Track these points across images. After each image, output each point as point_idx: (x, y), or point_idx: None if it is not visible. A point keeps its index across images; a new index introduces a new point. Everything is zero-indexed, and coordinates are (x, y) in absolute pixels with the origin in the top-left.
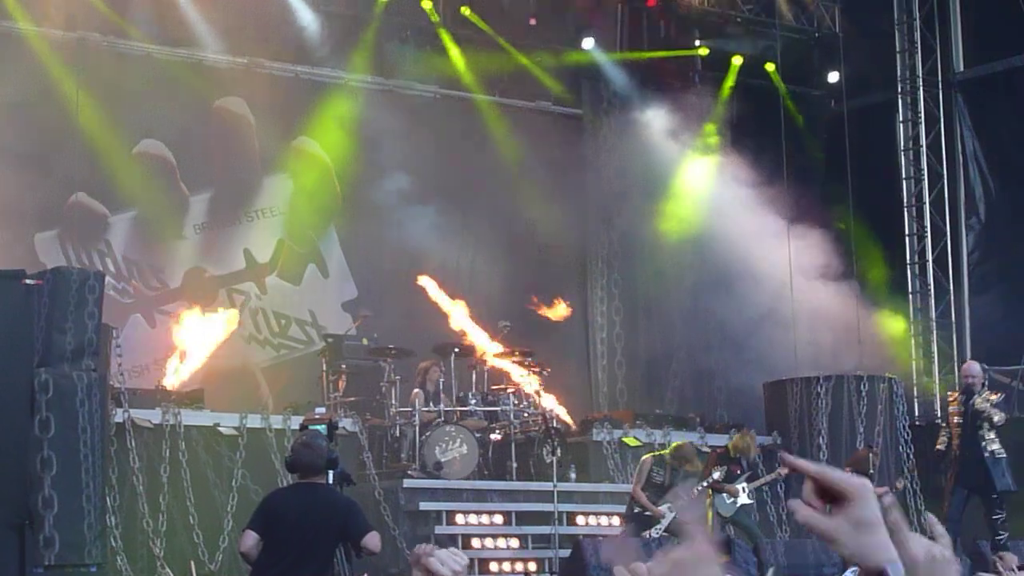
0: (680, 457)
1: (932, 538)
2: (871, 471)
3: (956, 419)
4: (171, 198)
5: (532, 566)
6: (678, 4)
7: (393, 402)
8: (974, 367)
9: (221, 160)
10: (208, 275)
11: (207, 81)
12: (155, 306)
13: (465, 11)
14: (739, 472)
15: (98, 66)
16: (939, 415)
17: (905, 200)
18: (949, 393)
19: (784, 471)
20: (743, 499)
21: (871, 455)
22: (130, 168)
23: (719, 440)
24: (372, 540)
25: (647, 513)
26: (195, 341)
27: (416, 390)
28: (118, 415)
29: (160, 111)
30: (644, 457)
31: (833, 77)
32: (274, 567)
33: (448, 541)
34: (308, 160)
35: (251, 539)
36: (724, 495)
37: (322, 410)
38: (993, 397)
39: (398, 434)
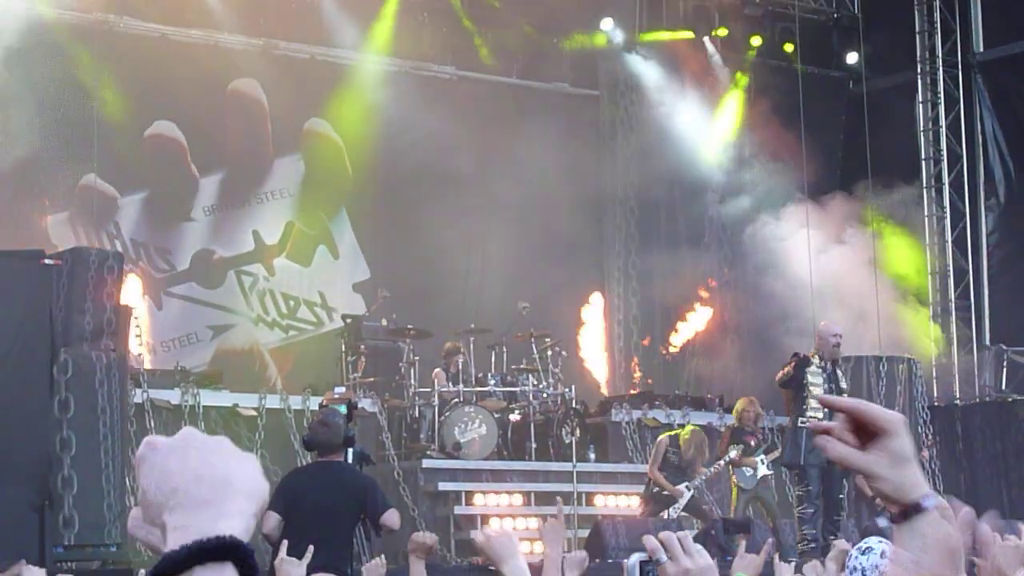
0: (693, 446)
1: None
2: None
3: (821, 388)
4: (181, 180)
5: None
6: None
7: (412, 383)
8: (839, 326)
9: (233, 142)
10: (216, 257)
11: (222, 62)
12: (163, 288)
13: None
14: (754, 443)
15: (113, 48)
16: (958, 396)
17: (924, 181)
18: (802, 354)
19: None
20: (762, 470)
21: None
22: (142, 150)
23: None
24: (391, 518)
25: (665, 493)
26: None
27: (437, 369)
28: (137, 395)
29: (174, 93)
30: (660, 437)
31: (852, 58)
32: (295, 546)
33: (467, 522)
34: (321, 142)
35: (273, 520)
36: (743, 468)
37: (341, 390)
38: None
39: (417, 415)
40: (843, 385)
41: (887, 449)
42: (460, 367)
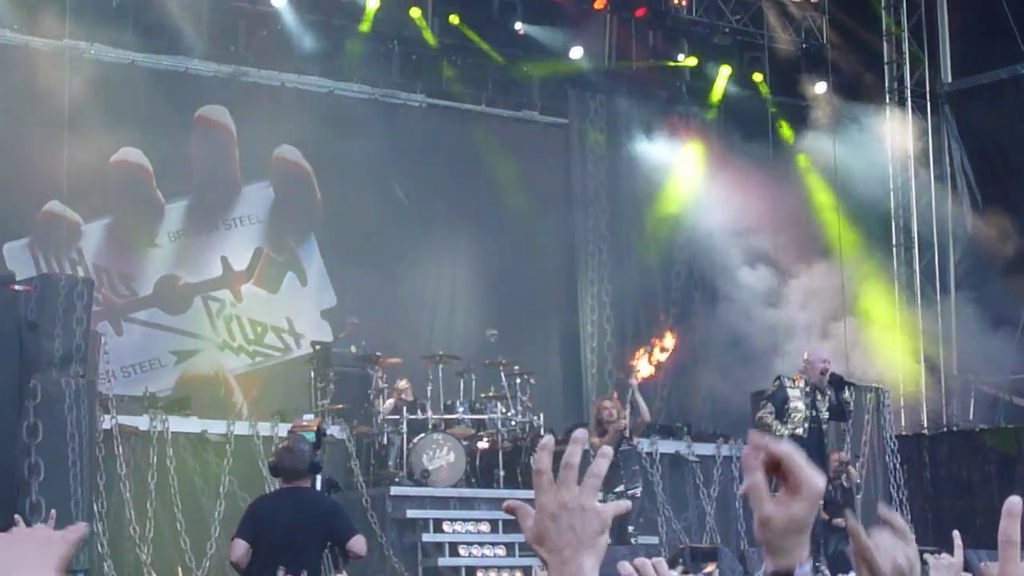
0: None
1: (893, 531)
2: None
3: (803, 413)
4: (146, 206)
5: (519, 574)
6: (666, 15)
7: (381, 410)
8: (827, 353)
9: (200, 168)
10: (182, 283)
11: (191, 89)
12: (122, 314)
13: (454, 20)
14: None
15: (82, 74)
16: (925, 426)
17: (893, 211)
18: (791, 377)
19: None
20: None
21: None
22: (107, 176)
23: (706, 449)
24: (357, 543)
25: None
26: None
27: (390, 400)
28: (106, 421)
29: (142, 119)
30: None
31: (820, 88)
32: (263, 572)
33: (435, 550)
34: (290, 168)
35: (241, 548)
36: None
37: (310, 417)
38: None
39: (386, 442)
40: (822, 414)
41: (792, 510)
42: (414, 399)
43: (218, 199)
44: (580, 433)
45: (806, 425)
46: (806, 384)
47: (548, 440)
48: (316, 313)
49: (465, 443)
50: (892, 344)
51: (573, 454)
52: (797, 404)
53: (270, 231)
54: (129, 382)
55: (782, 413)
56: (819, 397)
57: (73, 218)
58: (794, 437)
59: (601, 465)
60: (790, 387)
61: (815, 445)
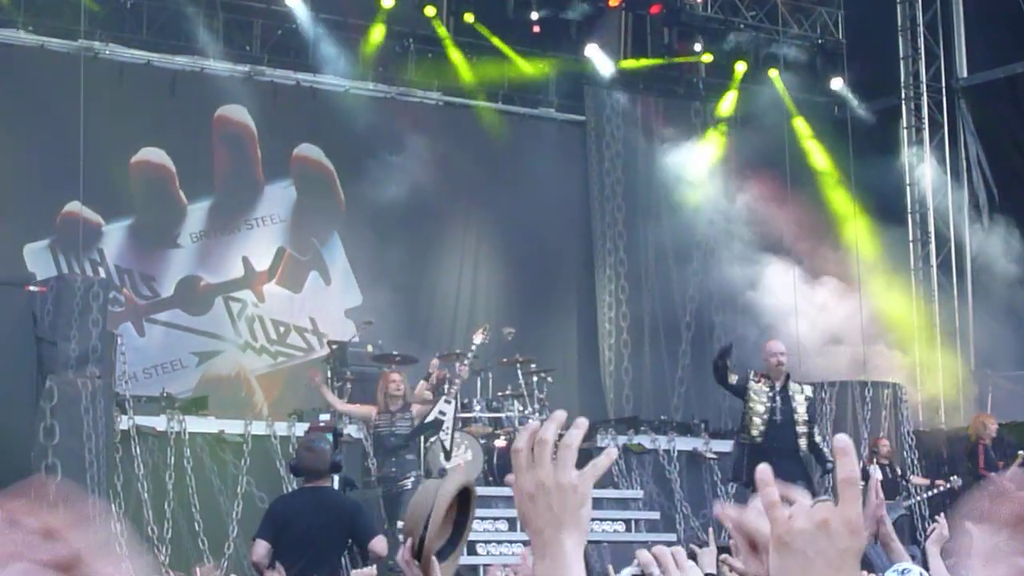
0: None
1: None
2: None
3: (763, 406)
4: (168, 207)
5: None
6: (681, 12)
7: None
8: (782, 345)
9: (221, 168)
10: (204, 283)
11: (207, 89)
12: (144, 315)
13: (468, 18)
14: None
15: (99, 74)
16: (943, 421)
17: (909, 207)
18: (756, 373)
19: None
20: None
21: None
22: (128, 176)
23: (724, 446)
24: (379, 544)
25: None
26: None
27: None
28: (123, 422)
29: (161, 119)
30: None
31: (836, 84)
32: (286, 572)
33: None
34: (312, 167)
35: (262, 548)
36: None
37: (326, 417)
38: None
39: None
40: (796, 407)
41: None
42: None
43: (240, 199)
44: (581, 420)
45: (763, 428)
46: (769, 379)
47: (535, 423)
48: (340, 312)
49: (482, 441)
50: (909, 339)
51: (546, 429)
52: (756, 400)
53: (293, 230)
54: (151, 383)
55: (744, 409)
56: (795, 394)
57: (94, 219)
58: (751, 438)
59: (574, 436)
60: (753, 382)
61: (782, 447)
